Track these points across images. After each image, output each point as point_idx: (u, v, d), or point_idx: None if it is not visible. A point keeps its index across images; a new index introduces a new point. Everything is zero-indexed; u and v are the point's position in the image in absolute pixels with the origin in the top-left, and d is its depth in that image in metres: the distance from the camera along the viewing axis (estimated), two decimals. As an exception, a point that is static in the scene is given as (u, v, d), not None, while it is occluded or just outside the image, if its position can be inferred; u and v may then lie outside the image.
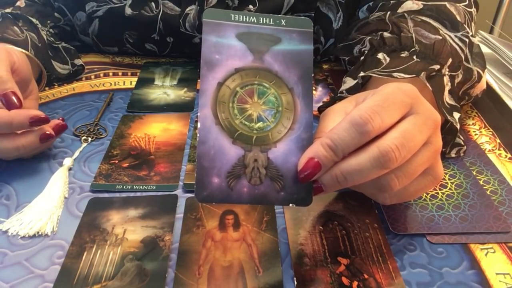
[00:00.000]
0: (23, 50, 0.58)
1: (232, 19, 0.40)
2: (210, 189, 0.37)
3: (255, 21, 0.41)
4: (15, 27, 0.60)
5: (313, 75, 0.46)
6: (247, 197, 0.38)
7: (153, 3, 0.67)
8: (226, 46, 0.40)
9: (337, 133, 0.37)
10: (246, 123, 0.39)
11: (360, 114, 0.37)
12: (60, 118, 0.53)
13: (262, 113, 0.39)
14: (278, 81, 0.40)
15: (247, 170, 0.38)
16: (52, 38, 0.66)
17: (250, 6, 0.65)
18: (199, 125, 0.38)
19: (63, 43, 0.68)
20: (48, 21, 0.69)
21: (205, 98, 0.39)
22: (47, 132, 0.50)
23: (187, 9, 0.67)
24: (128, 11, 0.67)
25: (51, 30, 0.68)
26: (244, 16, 0.41)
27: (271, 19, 0.41)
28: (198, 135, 0.38)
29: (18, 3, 0.66)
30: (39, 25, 0.65)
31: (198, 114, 0.38)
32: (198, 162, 0.37)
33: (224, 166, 0.37)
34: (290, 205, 0.38)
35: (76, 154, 0.53)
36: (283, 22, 0.41)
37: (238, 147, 0.38)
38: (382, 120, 0.37)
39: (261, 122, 0.39)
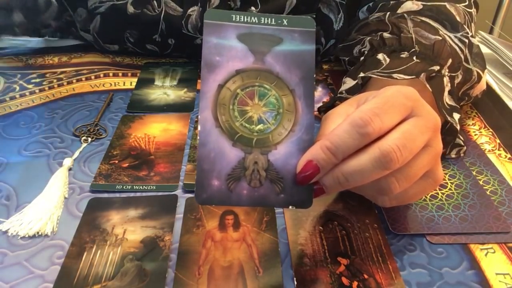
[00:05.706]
0: None
1: (233, 19, 0.40)
2: (210, 191, 0.37)
3: (257, 21, 0.40)
4: None
5: (315, 75, 0.46)
6: (247, 199, 0.37)
7: (155, 2, 0.67)
8: (227, 48, 0.40)
9: (337, 135, 0.37)
10: (247, 125, 0.39)
11: (360, 116, 0.37)
12: None
13: (262, 115, 0.39)
14: (279, 83, 0.40)
15: (247, 173, 0.38)
16: None
17: (252, 8, 0.66)
18: (199, 127, 0.38)
19: None
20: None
21: (205, 100, 0.38)
22: None
23: (189, 10, 0.67)
24: (131, 9, 0.67)
25: None
26: (245, 17, 0.40)
27: (273, 19, 0.41)
28: (198, 137, 0.38)
29: None
30: None
31: (199, 116, 0.38)
32: (198, 164, 0.37)
33: (224, 168, 0.37)
34: (290, 207, 0.38)
35: (76, 154, 0.53)
36: (285, 22, 0.41)
37: (238, 150, 0.38)
38: (382, 122, 0.37)
39: (262, 124, 0.39)
